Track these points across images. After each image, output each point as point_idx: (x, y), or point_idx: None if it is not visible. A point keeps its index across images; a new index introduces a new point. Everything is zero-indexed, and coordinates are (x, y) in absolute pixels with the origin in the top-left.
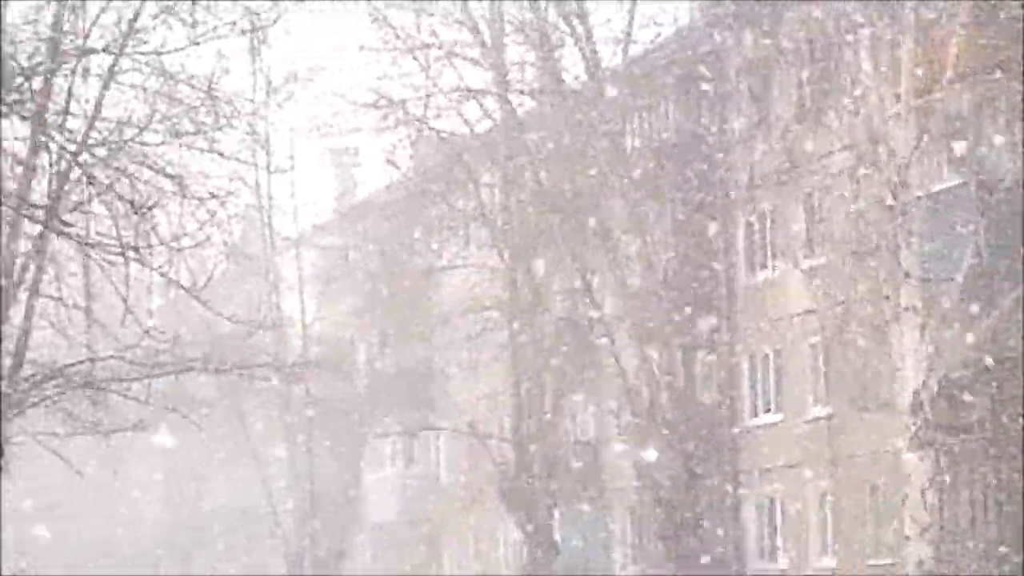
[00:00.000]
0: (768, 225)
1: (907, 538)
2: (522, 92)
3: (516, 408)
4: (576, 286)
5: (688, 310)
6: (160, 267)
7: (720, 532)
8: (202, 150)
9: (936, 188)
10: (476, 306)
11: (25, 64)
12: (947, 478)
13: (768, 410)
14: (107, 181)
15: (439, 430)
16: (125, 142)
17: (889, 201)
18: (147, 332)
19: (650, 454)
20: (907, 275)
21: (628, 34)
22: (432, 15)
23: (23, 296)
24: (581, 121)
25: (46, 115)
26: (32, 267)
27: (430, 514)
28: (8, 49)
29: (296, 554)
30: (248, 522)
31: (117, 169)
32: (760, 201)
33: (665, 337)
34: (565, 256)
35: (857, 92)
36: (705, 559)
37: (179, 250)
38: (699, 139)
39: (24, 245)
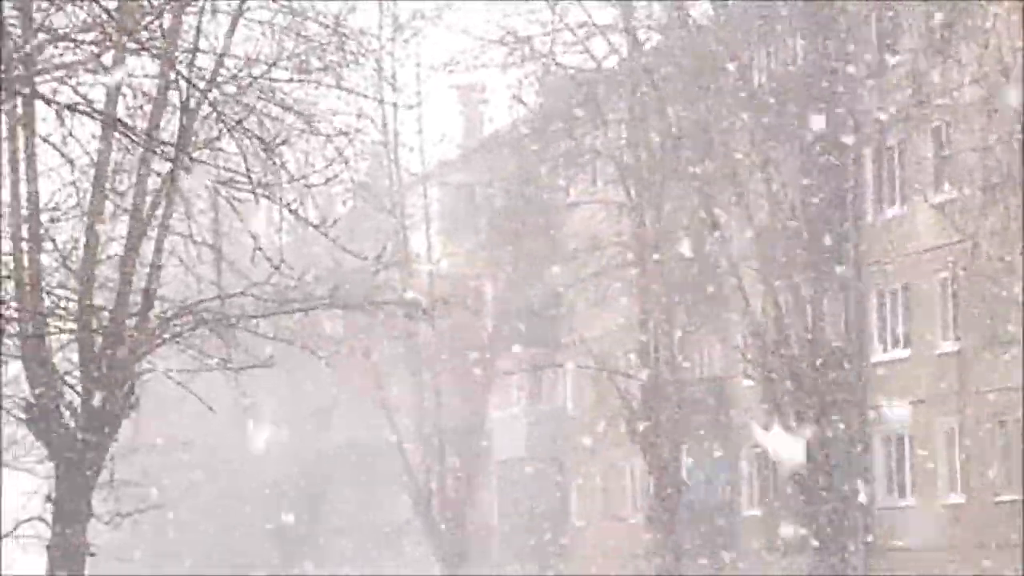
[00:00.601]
0: (897, 160)
1: None
2: (649, 27)
3: (643, 344)
4: (703, 222)
5: (816, 246)
6: (288, 204)
7: (848, 469)
8: (329, 87)
9: None
10: (603, 242)
11: (155, 2)
12: None
13: (896, 346)
14: (236, 118)
15: (566, 366)
16: (254, 79)
17: (1018, 134)
18: (276, 269)
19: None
20: None
21: None
22: None
23: (153, 234)
24: (707, 56)
25: (175, 52)
26: (162, 205)
27: (557, 451)
28: None
29: (422, 491)
30: (374, 459)
31: (246, 106)
32: (888, 136)
33: (793, 273)
34: (692, 192)
35: (987, 24)
36: (833, 496)
37: (307, 187)
38: (826, 73)
39: (154, 183)
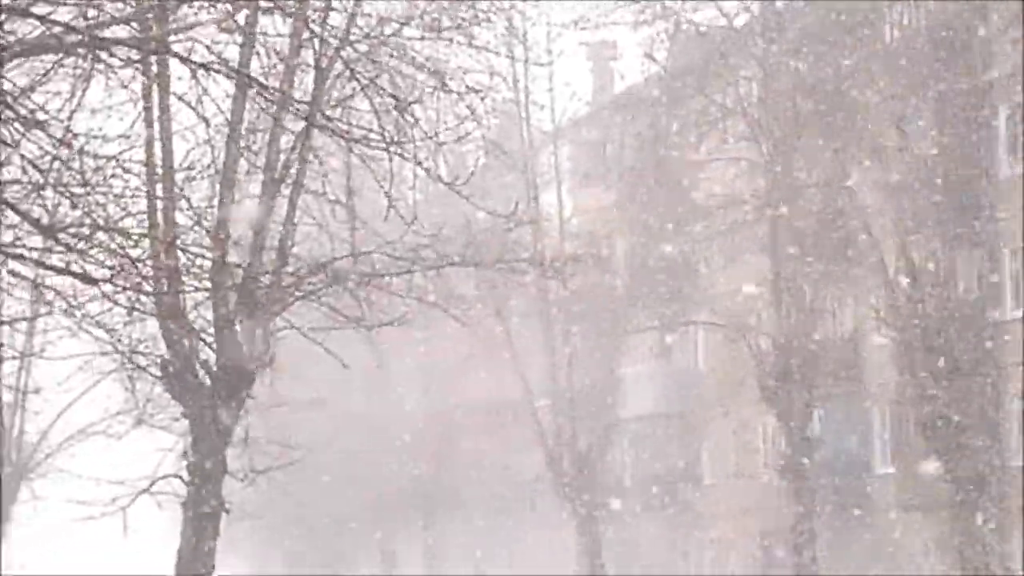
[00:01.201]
0: None
1: None
2: None
3: (775, 301)
4: (835, 178)
5: (949, 202)
6: (420, 162)
7: (981, 426)
8: (461, 45)
9: None
10: (734, 199)
11: None
12: None
13: None
14: (368, 76)
15: (697, 324)
16: (386, 37)
17: None
18: (409, 226)
19: (909, 347)
20: None
21: None
22: None
23: (287, 192)
24: (839, 11)
25: (308, 11)
26: (295, 163)
27: (688, 408)
28: None
29: (554, 448)
30: (507, 417)
31: (378, 64)
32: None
33: (926, 229)
34: (824, 148)
35: None
36: (966, 455)
37: (439, 145)
38: (958, 27)
39: (287, 141)
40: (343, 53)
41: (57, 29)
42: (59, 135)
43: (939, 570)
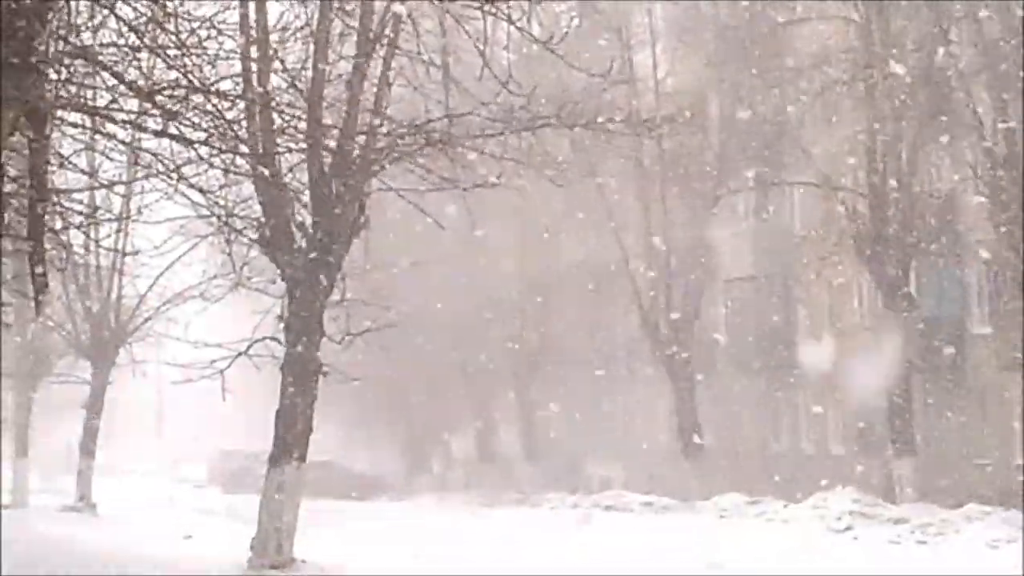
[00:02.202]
0: None
1: None
2: None
3: (871, 160)
4: (932, 36)
5: None
6: (515, 21)
7: None
8: None
9: None
10: (830, 58)
11: None
12: None
13: None
14: None
15: (793, 184)
16: None
17: None
18: (503, 87)
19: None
20: None
21: None
22: None
23: (381, 53)
24: None
25: None
26: (389, 23)
27: (783, 268)
28: None
29: (649, 310)
30: (602, 279)
31: None
32: None
33: (1020, 86)
34: (920, 5)
35: None
36: None
37: (534, 4)
38: None
39: (381, 1)
40: None
41: None
42: None
43: None
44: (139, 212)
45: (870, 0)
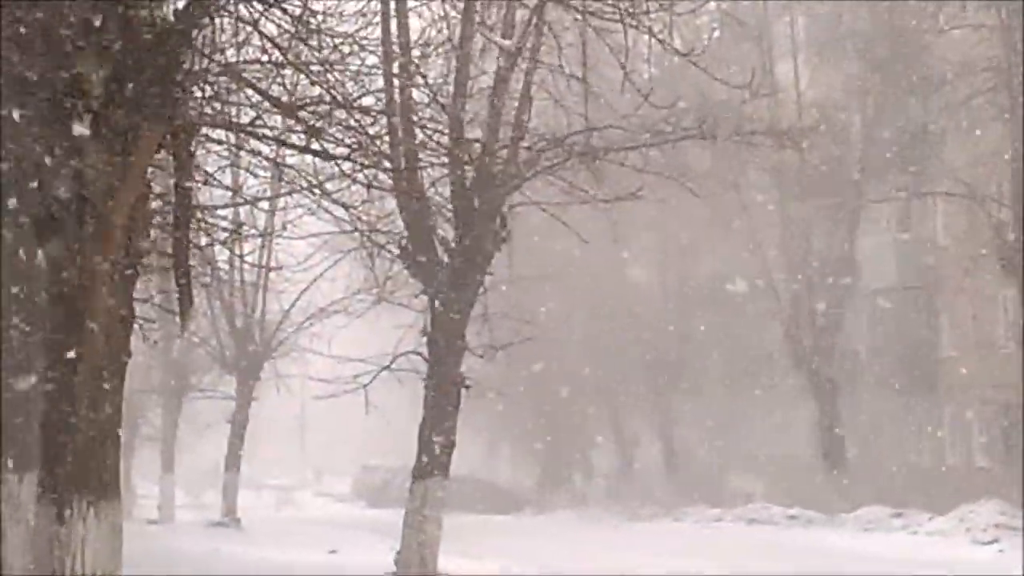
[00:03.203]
0: None
1: None
2: None
3: (1016, 170)
4: None
5: None
6: (656, 34)
7: None
8: None
9: None
10: (973, 67)
11: None
12: None
13: None
14: None
15: (937, 194)
16: None
17: None
18: (644, 99)
19: None
20: None
21: None
22: None
23: (522, 67)
24: None
25: None
26: (531, 37)
27: (927, 280)
28: None
29: (791, 321)
30: (744, 291)
31: None
32: None
33: None
34: None
35: None
36: None
37: (674, 16)
38: None
39: (522, 15)
40: None
41: None
42: (297, 13)
43: None
44: (283, 228)
45: (1013, 5)
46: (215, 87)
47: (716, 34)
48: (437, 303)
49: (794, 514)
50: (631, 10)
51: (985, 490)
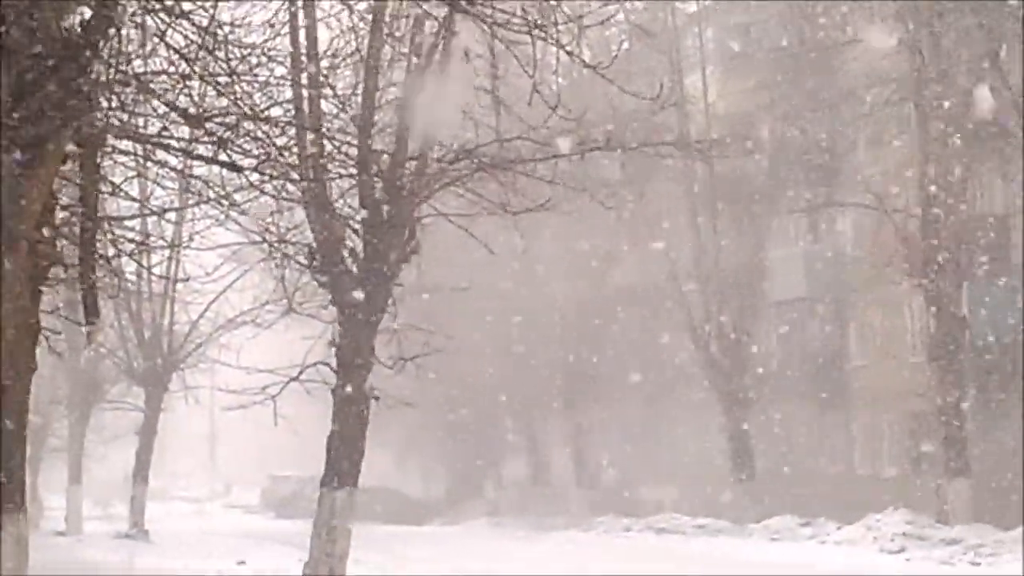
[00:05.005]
0: None
1: None
2: None
3: (922, 181)
4: (983, 57)
5: None
6: (565, 46)
7: None
8: None
9: None
10: (881, 80)
11: None
12: None
13: None
14: None
15: (845, 205)
16: None
17: None
18: (553, 111)
19: None
20: None
21: None
22: None
23: (430, 78)
24: None
25: None
26: (439, 48)
27: (836, 290)
28: None
29: (702, 333)
30: (654, 302)
31: None
32: None
33: None
34: (972, 26)
35: None
36: None
37: (583, 28)
38: None
39: (431, 27)
40: None
41: None
42: (204, 24)
43: None
44: (191, 239)
45: (920, 17)
46: (122, 98)
47: (625, 46)
48: (346, 314)
49: (702, 524)
50: (539, 22)
51: (893, 499)
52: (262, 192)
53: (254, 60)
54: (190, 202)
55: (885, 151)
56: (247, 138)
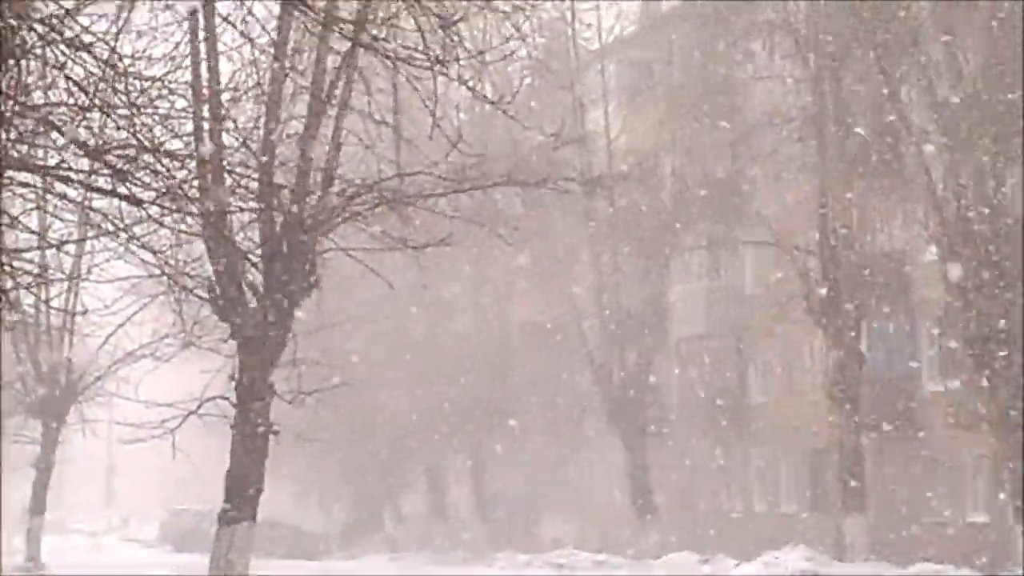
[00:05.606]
0: None
1: None
2: None
3: (823, 219)
4: (883, 94)
5: (998, 117)
6: (466, 81)
7: None
8: None
9: None
10: (782, 117)
11: None
12: None
13: None
14: None
15: (746, 242)
16: None
17: None
18: (455, 146)
19: (957, 268)
20: None
21: None
22: None
23: (332, 113)
24: None
25: None
26: (341, 83)
27: (736, 327)
28: None
29: (602, 369)
30: (556, 338)
31: None
32: None
33: (975, 147)
34: (872, 65)
35: None
36: (1013, 369)
37: (484, 64)
38: None
39: (333, 61)
40: None
41: None
42: (105, 57)
43: (988, 489)
44: (89, 272)
45: (821, 56)
46: (20, 130)
47: (527, 81)
48: (245, 348)
49: (601, 560)
50: (441, 58)
51: (792, 536)
52: (161, 225)
53: (155, 93)
54: (89, 235)
55: (787, 189)
56: (147, 171)
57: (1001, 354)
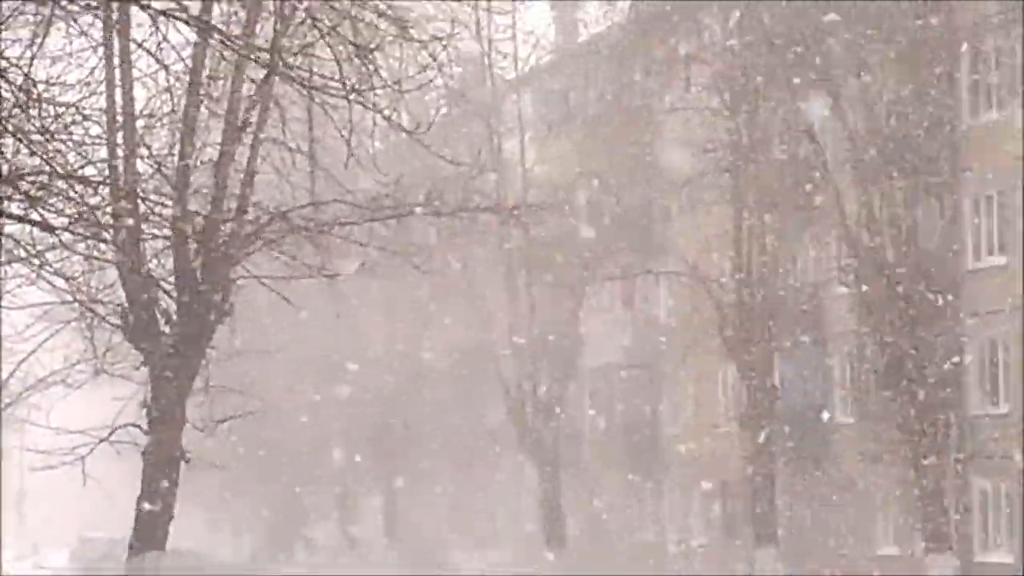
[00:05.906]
0: (993, 65)
1: None
2: None
3: (737, 251)
4: (797, 128)
5: (910, 152)
6: (382, 110)
7: (941, 375)
8: None
9: None
10: (697, 148)
11: None
12: None
13: (991, 253)
14: (330, 24)
15: (661, 273)
16: None
17: None
18: (369, 175)
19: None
20: None
21: None
22: None
23: (247, 140)
24: None
25: None
26: (256, 111)
27: (651, 358)
28: None
29: (516, 397)
30: (470, 366)
31: (340, 12)
32: (985, 40)
33: (887, 179)
34: (786, 98)
35: None
36: (926, 404)
37: (401, 93)
38: None
39: (248, 89)
40: (304, 0)
41: None
42: (18, 82)
43: (898, 520)
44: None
45: (736, 88)
46: None
47: (443, 110)
48: (157, 376)
49: None
50: (357, 86)
51: (703, 567)
52: (74, 252)
53: (69, 119)
54: (1, 261)
55: (702, 220)
56: (60, 197)
57: (911, 386)
